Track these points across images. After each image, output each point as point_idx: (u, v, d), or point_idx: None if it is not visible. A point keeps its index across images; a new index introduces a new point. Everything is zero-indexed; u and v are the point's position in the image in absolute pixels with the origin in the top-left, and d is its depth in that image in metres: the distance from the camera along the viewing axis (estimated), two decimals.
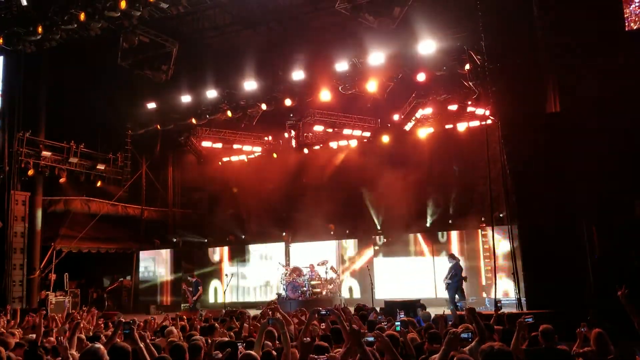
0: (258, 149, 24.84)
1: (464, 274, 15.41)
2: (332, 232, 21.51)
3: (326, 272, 19.19)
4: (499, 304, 8.65)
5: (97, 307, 18.48)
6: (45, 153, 18.68)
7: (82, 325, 8.68)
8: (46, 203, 19.42)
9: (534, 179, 11.96)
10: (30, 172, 18.11)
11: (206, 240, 24.26)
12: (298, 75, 18.12)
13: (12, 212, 17.58)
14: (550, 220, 11.50)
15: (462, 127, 20.25)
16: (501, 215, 15.29)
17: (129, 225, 23.43)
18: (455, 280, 15.21)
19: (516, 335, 5.71)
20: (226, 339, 6.21)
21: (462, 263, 16.04)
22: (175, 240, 24.08)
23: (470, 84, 16.28)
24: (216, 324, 8.01)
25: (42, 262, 18.89)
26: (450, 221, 20.16)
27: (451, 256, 15.94)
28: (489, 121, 15.89)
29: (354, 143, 23.10)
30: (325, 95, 18.53)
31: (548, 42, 12.00)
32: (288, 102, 19.10)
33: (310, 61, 18.03)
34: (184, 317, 9.87)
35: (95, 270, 22.72)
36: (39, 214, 18.79)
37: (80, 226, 20.75)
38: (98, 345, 4.09)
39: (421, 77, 16.99)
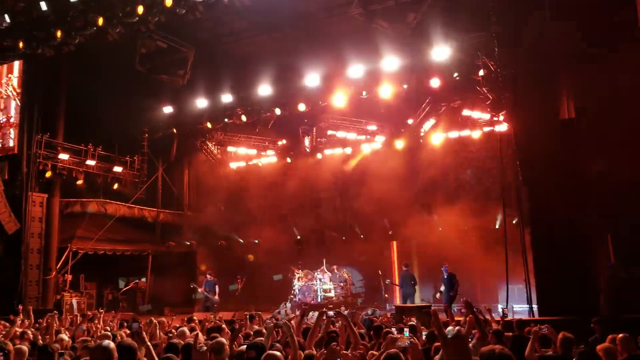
0: (272, 154, 24.97)
1: None
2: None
3: (338, 277, 19.25)
4: (504, 311, 8.67)
5: (112, 308, 18.75)
6: (63, 155, 18.91)
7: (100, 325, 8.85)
8: (63, 205, 19.65)
9: (547, 185, 11.92)
10: (48, 174, 18.33)
11: (220, 243, 24.44)
12: (312, 80, 18.19)
13: (30, 213, 17.81)
14: (564, 227, 11.45)
15: (476, 133, 20.19)
16: (514, 222, 15.22)
17: (144, 228, 23.64)
18: (403, 289, 16.48)
19: (531, 343, 5.74)
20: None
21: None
22: (189, 243, 24.27)
23: (484, 90, 16.23)
24: (223, 325, 8.11)
25: (59, 263, 19.13)
26: (465, 227, 20.06)
27: (404, 265, 17.19)
28: (503, 127, 15.89)
29: (367, 148, 23.12)
30: (339, 100, 18.59)
31: (562, 47, 11.97)
32: (302, 107, 19.20)
33: (324, 66, 18.10)
34: (195, 318, 9.98)
35: (110, 272, 22.93)
36: (56, 215, 19.03)
37: (97, 228, 20.97)
38: (108, 341, 4.20)
39: (435, 82, 17.00)
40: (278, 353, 4.64)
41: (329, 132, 22.93)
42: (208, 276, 19.78)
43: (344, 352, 5.64)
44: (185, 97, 20.25)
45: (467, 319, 5.38)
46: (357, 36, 17.12)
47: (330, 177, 23.51)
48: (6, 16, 15.00)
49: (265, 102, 19.62)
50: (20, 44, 15.79)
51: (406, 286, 16.77)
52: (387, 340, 5.13)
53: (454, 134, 20.78)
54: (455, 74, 16.54)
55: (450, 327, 4.17)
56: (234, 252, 24.53)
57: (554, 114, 12.28)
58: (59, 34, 15.12)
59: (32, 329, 9.31)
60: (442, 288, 15.84)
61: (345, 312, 8.79)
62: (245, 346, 5.52)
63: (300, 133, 23.29)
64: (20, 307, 12.57)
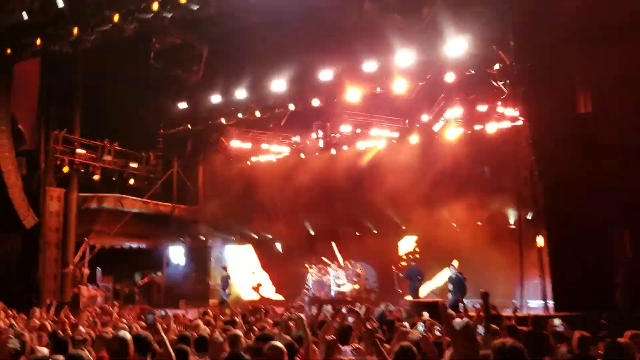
0: (286, 149, 24.97)
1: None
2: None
3: (352, 271, 19.30)
4: (515, 306, 8.72)
5: (128, 302, 18.97)
6: (80, 151, 19.13)
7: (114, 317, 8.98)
8: (80, 200, 19.87)
9: (563, 180, 11.81)
10: (65, 170, 18.58)
11: (233, 238, 24.58)
12: (326, 75, 18.16)
13: (47, 207, 18.09)
14: (580, 223, 11.34)
15: (491, 128, 20.02)
16: (528, 217, 15.13)
17: (159, 223, 23.79)
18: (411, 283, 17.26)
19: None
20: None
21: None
22: (203, 237, 24.44)
23: (500, 84, 16.12)
24: (236, 319, 8.18)
25: (76, 257, 19.37)
26: (479, 222, 19.98)
27: (412, 260, 18.16)
28: (518, 122, 15.79)
29: (381, 144, 23.05)
30: (352, 95, 18.55)
31: (578, 39, 11.83)
32: (316, 102, 19.19)
33: (338, 61, 18.06)
34: (210, 311, 10.09)
35: (126, 266, 23.18)
36: (73, 210, 19.25)
37: (113, 222, 21.17)
38: (124, 332, 4.29)
39: (450, 77, 16.88)
40: (279, 343, 4.68)
41: (343, 128, 22.88)
42: (222, 271, 19.92)
43: (357, 345, 5.68)
44: (199, 93, 20.35)
45: (476, 310, 5.38)
46: (371, 31, 17.07)
47: (344, 172, 23.45)
48: (24, 13, 15.18)
49: (279, 97, 19.64)
50: (38, 41, 15.98)
51: (413, 280, 17.24)
52: (398, 334, 5.15)
53: (468, 129, 20.64)
54: (470, 68, 16.42)
55: (458, 319, 4.20)
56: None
57: (570, 107, 12.15)
58: (75, 30, 15.27)
59: (50, 322, 9.46)
60: (451, 287, 15.73)
61: (362, 309, 8.83)
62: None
63: (314, 128, 23.27)
64: (48, 301, 12.77)
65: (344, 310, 7.52)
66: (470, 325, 3.54)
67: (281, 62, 18.71)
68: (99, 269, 20.23)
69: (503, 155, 19.51)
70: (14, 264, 18.33)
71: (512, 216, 18.42)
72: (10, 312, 11.64)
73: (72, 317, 9.97)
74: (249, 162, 25.47)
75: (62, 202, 18.76)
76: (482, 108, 19.51)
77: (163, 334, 4.43)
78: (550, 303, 11.84)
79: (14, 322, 8.69)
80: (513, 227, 17.92)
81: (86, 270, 19.61)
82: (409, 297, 16.95)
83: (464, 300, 14.61)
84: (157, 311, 10.20)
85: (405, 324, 8.09)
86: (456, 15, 15.20)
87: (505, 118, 18.99)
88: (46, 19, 15.60)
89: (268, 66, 19.02)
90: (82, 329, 7.60)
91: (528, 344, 5.52)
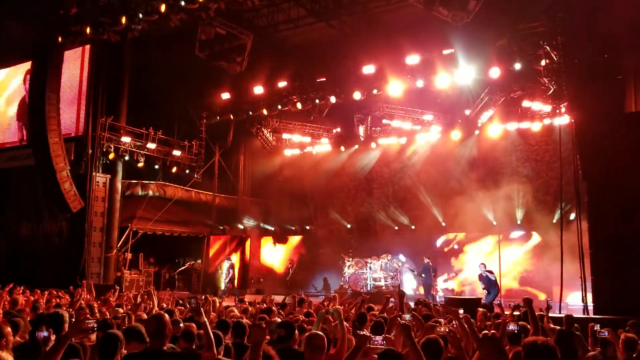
0: (326, 141, 25.05)
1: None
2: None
3: (389, 266, 19.25)
4: (548, 303, 8.62)
5: (169, 287, 19.40)
6: (125, 138, 19.59)
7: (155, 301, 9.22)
8: (125, 186, 20.36)
9: (608, 181, 11.50)
10: (111, 156, 19.04)
11: (273, 229, 24.82)
12: (368, 68, 18.08)
13: (93, 193, 18.62)
14: (625, 224, 11.04)
15: (536, 125, 19.63)
16: (572, 217, 14.77)
17: (200, 211, 24.23)
18: (423, 278, 18.21)
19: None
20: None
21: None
22: (242, 227, 24.75)
23: (546, 80, 15.74)
24: (273, 307, 8.31)
25: (119, 242, 19.90)
26: (519, 222, 19.67)
27: (426, 257, 18.54)
28: (564, 119, 15.41)
29: (422, 138, 22.86)
30: (394, 89, 18.43)
31: (629, 36, 11.47)
32: (357, 95, 19.11)
33: (381, 55, 17.97)
34: (246, 300, 10.26)
35: (168, 252, 23.67)
36: (118, 195, 19.75)
37: (156, 209, 21.58)
38: (162, 312, 4.45)
39: (495, 72, 16.60)
40: (320, 333, 4.75)
41: (384, 121, 22.79)
42: (227, 261, 20.27)
43: (388, 335, 5.71)
44: (242, 83, 20.53)
45: (503, 318, 5.28)
46: (415, 24, 16.93)
47: (384, 166, 23.43)
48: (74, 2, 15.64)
49: (321, 89, 19.67)
50: (87, 30, 16.43)
51: (427, 277, 17.98)
52: (425, 327, 5.14)
53: (512, 126, 20.27)
54: (516, 64, 16.10)
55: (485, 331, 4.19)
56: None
57: (619, 106, 11.79)
58: (123, 20, 15.64)
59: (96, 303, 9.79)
60: (483, 286, 15.52)
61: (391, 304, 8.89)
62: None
63: (355, 121, 23.26)
64: (84, 282, 13.13)
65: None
66: (496, 336, 3.52)
67: (324, 54, 18.73)
68: (141, 254, 20.74)
69: (546, 153, 19.14)
70: (60, 246, 18.99)
71: (553, 215, 18.03)
72: (55, 292, 12.08)
73: (112, 299, 10.28)
74: (289, 153, 25.65)
75: (107, 187, 19.28)
76: (526, 104, 19.12)
77: (205, 319, 4.58)
78: (591, 305, 11.56)
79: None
80: (554, 226, 17.52)
81: (129, 255, 20.16)
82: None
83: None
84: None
85: (441, 320, 8.08)
86: (503, 10, 14.92)
87: (550, 115, 18.58)
88: (95, 8, 16.02)
89: (311, 58, 19.07)
90: (120, 310, 7.85)
91: (557, 342, 5.44)
